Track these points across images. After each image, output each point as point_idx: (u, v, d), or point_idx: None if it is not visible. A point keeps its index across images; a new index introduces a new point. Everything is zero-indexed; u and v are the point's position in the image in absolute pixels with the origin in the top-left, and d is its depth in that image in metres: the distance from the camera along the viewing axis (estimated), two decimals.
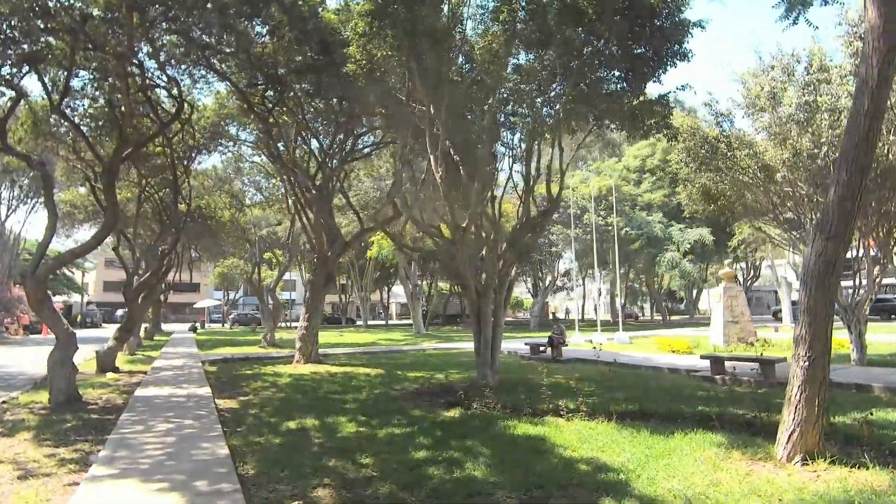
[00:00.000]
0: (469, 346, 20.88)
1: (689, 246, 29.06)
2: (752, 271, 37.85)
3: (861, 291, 12.48)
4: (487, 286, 9.60)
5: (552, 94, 10.14)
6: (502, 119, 10.35)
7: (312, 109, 13.72)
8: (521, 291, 61.37)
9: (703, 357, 11.19)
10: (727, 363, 11.00)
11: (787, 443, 5.24)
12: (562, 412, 7.52)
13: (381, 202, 26.28)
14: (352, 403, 8.79)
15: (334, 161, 14.54)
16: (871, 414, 6.47)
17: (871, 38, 4.93)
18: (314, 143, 15.16)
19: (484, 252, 9.90)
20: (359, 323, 44.53)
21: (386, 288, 51.23)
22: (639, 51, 10.10)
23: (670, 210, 32.12)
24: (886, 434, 5.99)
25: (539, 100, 10.11)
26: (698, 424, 6.73)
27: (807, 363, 5.22)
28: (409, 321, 54.12)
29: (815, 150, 11.64)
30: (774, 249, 27.93)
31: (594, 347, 15.32)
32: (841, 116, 11.22)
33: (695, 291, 40.52)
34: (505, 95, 10.00)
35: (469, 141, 9.43)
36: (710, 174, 13.50)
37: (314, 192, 13.53)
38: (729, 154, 12.94)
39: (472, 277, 9.37)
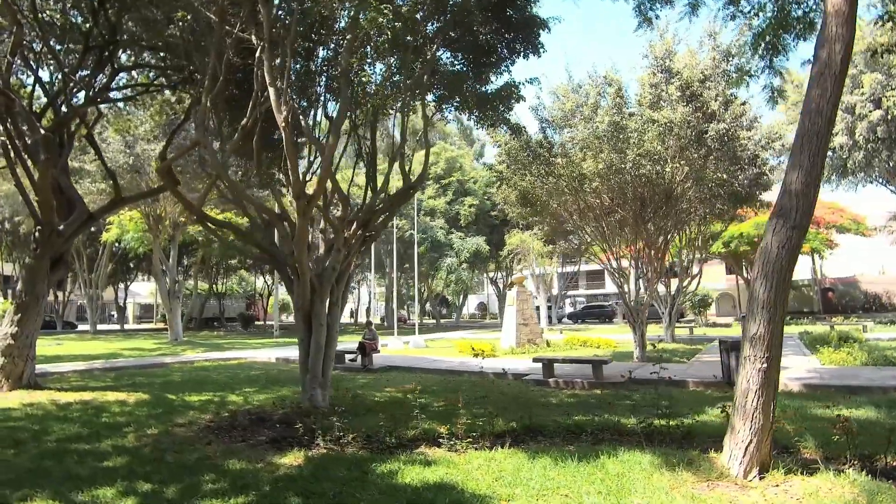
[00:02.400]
0: (249, 354, 17.63)
1: (468, 254, 30.50)
2: (510, 279, 42.22)
3: (644, 296, 13.94)
4: (325, 278, 7.37)
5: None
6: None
7: (49, 14, 9.25)
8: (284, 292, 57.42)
9: (535, 360, 10.91)
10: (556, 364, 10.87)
11: (743, 456, 4.64)
12: (440, 440, 5.92)
13: (135, 171, 20.65)
14: (116, 458, 5.58)
15: (77, 96, 10.13)
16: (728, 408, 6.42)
17: (835, 24, 4.69)
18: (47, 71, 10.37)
19: (321, 235, 7.65)
20: (82, 328, 35.02)
21: (122, 285, 41.72)
22: (486, 38, 9.35)
23: (450, 217, 33.38)
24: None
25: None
26: (603, 440, 5.94)
27: (765, 365, 4.71)
28: (150, 326, 45.24)
29: (623, 166, 12.53)
30: (537, 259, 31.28)
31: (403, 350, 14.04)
32: (642, 138, 12.29)
33: (461, 297, 43.26)
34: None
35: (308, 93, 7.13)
36: (530, 178, 13.59)
37: (41, 135, 9.06)
38: (550, 160, 13.19)
39: (309, 265, 7.03)
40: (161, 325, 42.39)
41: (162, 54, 10.56)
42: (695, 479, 4.59)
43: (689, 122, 12.05)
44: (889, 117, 21.15)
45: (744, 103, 12.64)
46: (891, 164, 24.13)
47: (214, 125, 7.80)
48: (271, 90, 5.90)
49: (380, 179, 7.77)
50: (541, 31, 9.46)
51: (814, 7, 8.16)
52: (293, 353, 17.75)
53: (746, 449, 4.65)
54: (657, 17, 9.26)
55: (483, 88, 9.64)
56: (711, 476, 4.65)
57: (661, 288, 15.30)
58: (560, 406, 8.17)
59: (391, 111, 8.84)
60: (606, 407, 7.80)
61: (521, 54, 9.63)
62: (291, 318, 59.55)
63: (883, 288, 38.84)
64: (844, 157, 23.25)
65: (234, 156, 13.91)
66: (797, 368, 10.88)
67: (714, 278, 40.61)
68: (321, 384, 7.66)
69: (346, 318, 56.14)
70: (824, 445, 5.38)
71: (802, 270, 39.06)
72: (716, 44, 12.28)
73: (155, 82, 11.72)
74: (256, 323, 42.22)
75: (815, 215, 31.15)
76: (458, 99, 9.67)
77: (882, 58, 8.83)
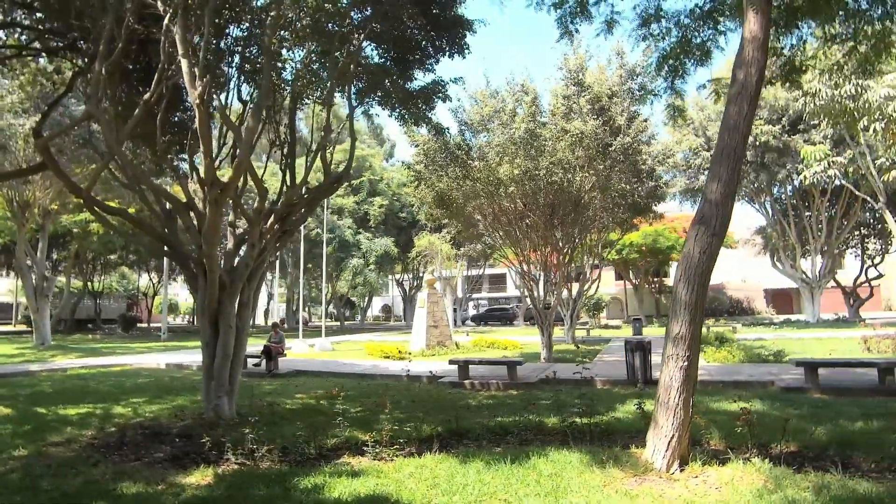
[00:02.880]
0: (134, 360, 15.85)
1: (377, 256, 30.01)
2: (416, 281, 42.19)
3: (551, 300, 14.46)
4: (236, 275, 6.75)
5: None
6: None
7: None
8: (174, 291, 52.88)
9: (451, 362, 10.85)
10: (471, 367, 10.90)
11: (666, 450, 4.87)
12: (365, 448, 5.63)
13: None
14: None
15: None
16: (644, 405, 6.73)
17: (752, 49, 5.07)
18: None
19: (229, 229, 7.00)
20: None
21: None
22: (412, 33, 9.24)
23: (358, 217, 32.67)
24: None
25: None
26: (529, 441, 5.99)
27: (686, 363, 4.97)
28: (8, 328, 39.33)
29: (537, 172, 12.92)
30: (444, 262, 31.54)
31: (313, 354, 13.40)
32: (556, 146, 12.79)
33: (366, 299, 42.51)
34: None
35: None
36: (447, 179, 13.59)
37: None
38: (467, 163, 13.28)
39: (218, 260, 6.39)
40: (23, 328, 37.18)
41: (39, 14, 9.15)
42: (623, 475, 4.73)
43: (597, 134, 12.71)
44: (758, 143, 23.98)
45: (645, 120, 13.56)
46: (755, 186, 27.34)
47: (107, 100, 6.84)
48: (184, 63, 5.24)
49: (299, 171, 7.27)
50: (466, 32, 9.47)
51: (711, 37, 8.87)
52: (186, 357, 16.34)
53: (669, 443, 4.88)
54: (577, 30, 9.62)
55: (408, 85, 9.48)
56: (638, 471, 4.82)
57: (563, 292, 15.97)
58: (480, 408, 8.15)
59: (308, 100, 8.36)
60: (527, 407, 7.90)
61: (447, 53, 9.57)
62: (180, 320, 55.19)
63: (744, 294, 43.98)
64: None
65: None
66: None
67: (605, 283, 43.60)
68: (227, 392, 6.99)
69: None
70: (728, 437, 5.83)
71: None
72: (622, 62, 13.09)
73: (29, 46, 10.12)
74: (140, 325, 38.42)
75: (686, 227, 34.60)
76: (380, 94, 9.44)
77: (769, 86, 9.88)
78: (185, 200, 6.42)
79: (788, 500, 4.10)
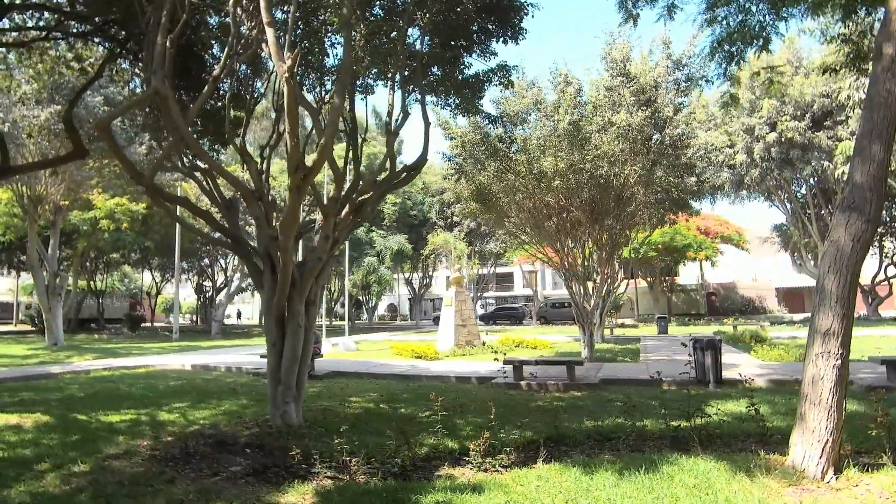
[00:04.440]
0: (155, 361, 15.21)
1: (392, 253, 29.45)
2: (427, 279, 41.70)
3: (593, 299, 13.95)
4: (307, 270, 6.21)
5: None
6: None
7: None
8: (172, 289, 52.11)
9: (506, 362, 10.29)
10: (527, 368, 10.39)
11: (820, 456, 4.42)
12: (464, 457, 5.12)
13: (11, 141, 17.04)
14: None
15: None
16: (756, 404, 6.26)
17: None
18: None
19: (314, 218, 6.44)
20: None
21: None
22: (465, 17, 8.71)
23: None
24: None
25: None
26: (638, 448, 5.47)
27: (839, 361, 4.50)
28: (9, 328, 38.44)
29: (582, 166, 12.43)
30: (458, 261, 30.97)
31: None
32: (602, 139, 12.30)
33: (376, 298, 41.93)
34: None
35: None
36: (486, 173, 13.08)
37: None
38: (509, 156, 12.77)
39: (293, 253, 5.85)
40: (24, 328, 36.38)
41: None
42: (778, 485, 4.25)
43: (643, 126, 12.24)
44: (782, 139, 23.60)
45: (692, 113, 13.08)
46: (779, 182, 26.97)
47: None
48: (269, 32, 4.70)
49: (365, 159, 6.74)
50: (523, 15, 8.96)
51: (771, 22, 8.37)
52: (208, 358, 15.76)
53: (824, 448, 4.42)
54: (638, 14, 9.12)
55: (462, 73, 8.97)
56: (791, 479, 4.34)
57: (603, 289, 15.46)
58: (555, 410, 7.66)
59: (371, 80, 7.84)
60: (604, 409, 7.44)
61: (501, 38, 9.05)
62: (182, 320, 54.36)
63: (755, 293, 43.70)
64: (742, 173, 25.62)
65: (142, 131, 11.89)
66: (747, 365, 11.37)
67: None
68: (295, 398, 6.45)
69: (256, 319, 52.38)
70: (857, 440, 5.35)
71: (691, 276, 42.85)
72: (669, 53, 12.61)
73: (56, 27, 9.49)
74: (144, 324, 37.69)
75: (707, 227, 34.14)
76: (433, 80, 8.92)
77: (833, 73, 9.35)
78: (254, 188, 5.87)
79: None
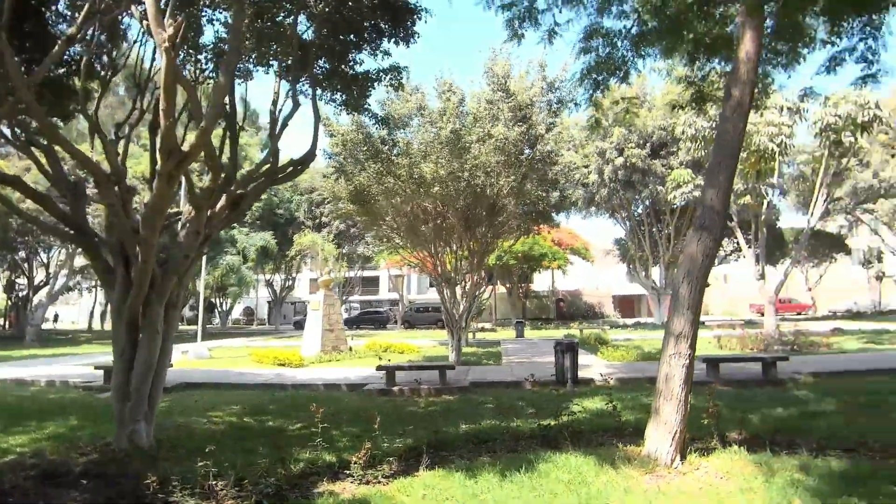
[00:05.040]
0: None
1: (255, 251, 27.52)
2: (290, 281, 39.66)
3: (462, 304, 14.40)
4: (171, 268, 5.53)
5: None
6: None
7: None
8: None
9: (379, 368, 10.14)
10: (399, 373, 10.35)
11: (670, 445, 5.02)
12: (344, 471, 4.91)
13: None
14: None
15: None
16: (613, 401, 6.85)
17: (746, 69, 5.41)
18: None
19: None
20: None
21: None
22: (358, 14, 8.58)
23: None
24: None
25: None
26: (512, 449, 5.70)
27: (688, 361, 5.13)
28: None
29: (461, 174, 12.81)
30: (324, 263, 30.03)
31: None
32: (481, 149, 12.82)
33: (232, 301, 38.87)
34: None
35: None
36: (367, 174, 12.88)
37: None
38: (391, 158, 12.72)
39: (156, 249, 5.16)
40: None
41: None
42: (638, 474, 4.72)
43: (519, 141, 12.99)
44: (627, 164, 26.72)
45: (561, 132, 14.17)
46: (622, 201, 30.44)
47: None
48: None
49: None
50: (416, 19, 8.99)
51: (632, 59, 9.37)
52: (21, 371, 13.26)
53: (673, 438, 5.00)
54: (524, 35, 9.65)
55: (353, 69, 8.74)
56: (647, 468, 4.84)
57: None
58: (431, 416, 7.72)
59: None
60: (477, 412, 7.68)
61: (393, 39, 8.98)
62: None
63: (597, 300, 48.72)
64: (594, 191, 28.51)
65: None
66: (596, 365, 12.54)
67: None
68: (147, 415, 5.68)
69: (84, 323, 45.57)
70: (693, 429, 6.15)
71: (543, 283, 46.44)
72: (544, 75, 13.55)
73: None
74: None
75: (560, 239, 37.21)
76: (321, 74, 8.56)
77: (681, 110, 10.66)
78: (109, 171, 5.04)
79: (792, 480, 4.36)
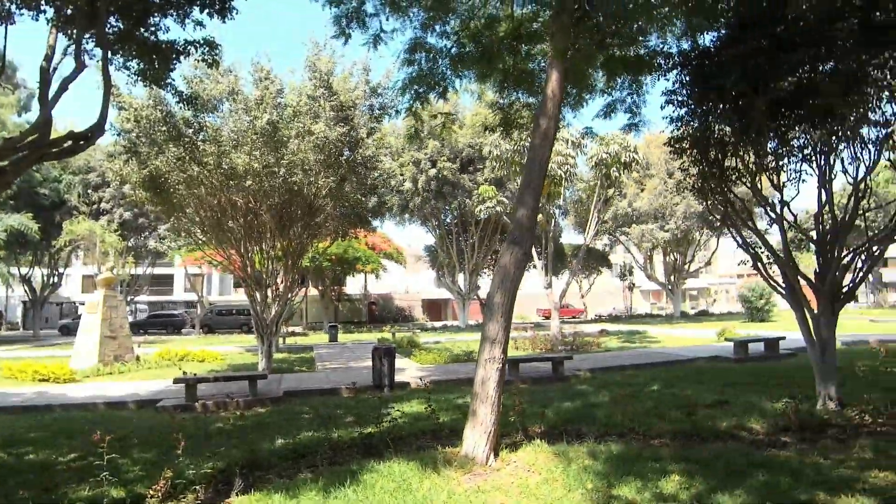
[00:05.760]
0: None
1: (6, 234, 21.90)
2: (55, 278, 32.51)
3: (274, 308, 13.54)
4: None
5: None
6: None
7: None
8: None
9: (177, 381, 8.90)
10: (201, 386, 9.26)
11: (486, 445, 5.35)
12: None
13: None
14: None
15: None
16: (431, 404, 7.07)
17: (552, 105, 6.09)
18: None
19: None
20: None
21: None
22: None
23: None
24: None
25: None
26: (335, 461, 5.52)
27: (501, 365, 5.52)
28: None
29: (277, 169, 12.09)
30: (103, 256, 25.50)
31: None
32: (300, 146, 12.27)
33: None
34: None
35: None
36: (165, 159, 11.31)
37: None
38: (197, 144, 11.39)
39: None
40: None
41: None
42: (458, 475, 4.93)
43: (340, 141, 12.75)
44: (440, 175, 28.23)
45: (382, 136, 14.29)
46: (434, 210, 32.00)
47: None
48: None
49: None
50: None
51: (451, 78, 9.97)
52: None
53: (489, 437, 5.36)
54: (350, 35, 9.54)
55: (155, 35, 7.61)
56: (466, 468, 5.09)
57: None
58: (242, 431, 7.04)
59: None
60: (293, 423, 7.25)
61: (206, 9, 8.08)
62: None
63: (407, 303, 50.38)
64: (408, 199, 29.46)
65: None
66: (411, 368, 12.89)
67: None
68: None
69: None
70: (501, 426, 6.67)
71: (356, 286, 46.42)
72: (367, 79, 13.53)
73: None
74: None
75: (374, 243, 37.66)
76: (113, 34, 7.27)
77: (490, 132, 11.58)
78: None
79: (584, 467, 5.00)
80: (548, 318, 32.62)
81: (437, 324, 41.91)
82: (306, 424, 7.15)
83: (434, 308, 52.22)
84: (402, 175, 29.02)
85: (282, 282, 13.91)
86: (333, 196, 13.68)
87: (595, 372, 11.40)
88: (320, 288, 38.47)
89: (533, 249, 23.57)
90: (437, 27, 8.81)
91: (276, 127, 11.94)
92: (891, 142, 7.03)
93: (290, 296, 14.41)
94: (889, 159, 7.25)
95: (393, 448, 5.65)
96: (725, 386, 8.79)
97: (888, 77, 6.75)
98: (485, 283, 40.04)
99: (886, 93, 6.99)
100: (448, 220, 35.13)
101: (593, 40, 7.50)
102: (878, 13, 6.17)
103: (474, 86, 13.39)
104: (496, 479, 4.86)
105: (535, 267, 22.86)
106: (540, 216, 21.38)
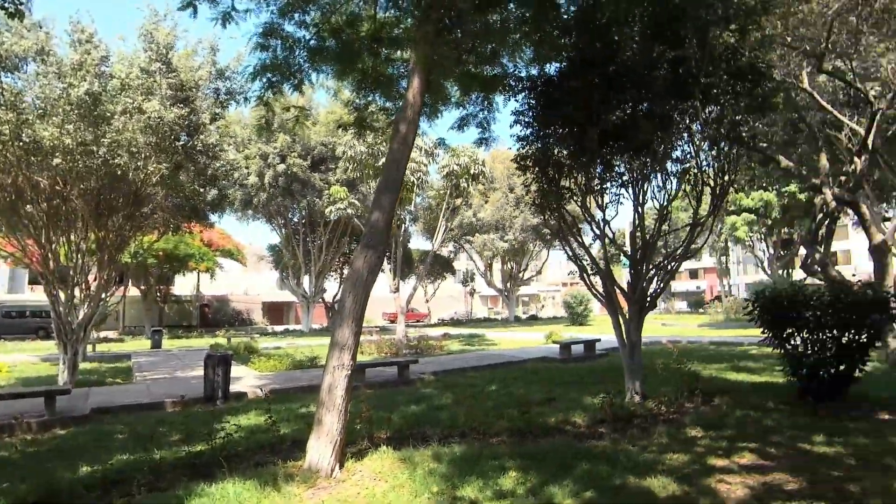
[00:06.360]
0: None
1: None
2: None
3: (83, 310, 11.65)
4: None
5: None
6: None
7: None
8: None
9: None
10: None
11: (331, 455, 5.17)
12: None
13: None
14: None
15: None
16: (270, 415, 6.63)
17: (412, 111, 6.16)
18: None
19: None
20: None
21: None
22: None
23: None
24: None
25: None
26: (157, 487, 4.88)
27: (349, 371, 5.39)
28: None
29: (95, 149, 10.48)
30: None
31: None
32: (126, 125, 10.81)
33: None
34: None
35: None
36: None
37: None
38: None
39: None
40: None
41: None
42: (299, 489, 4.68)
43: (177, 124, 11.48)
44: (289, 172, 26.87)
45: (227, 124, 13.17)
46: (280, 208, 30.31)
47: None
48: None
49: None
50: None
51: (307, 71, 9.64)
52: None
53: (334, 447, 5.19)
54: (197, 6, 8.70)
55: None
56: (309, 482, 4.85)
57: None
58: (39, 459, 5.89)
59: None
60: (103, 447, 6.26)
61: None
62: None
63: (245, 306, 47.02)
64: (252, 194, 27.51)
65: None
66: (248, 377, 11.99)
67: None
68: None
69: None
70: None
71: (186, 287, 42.07)
72: (214, 59, 12.37)
73: None
74: None
75: (211, 239, 34.63)
76: None
77: (344, 130, 11.35)
78: None
79: (429, 470, 5.09)
80: (394, 321, 32.97)
81: (279, 328, 39.83)
82: (121, 446, 6.21)
83: (276, 311, 49.56)
84: (247, 168, 27.08)
85: (94, 279, 12.00)
86: (166, 184, 12.23)
87: (439, 374, 11.75)
88: (143, 287, 34.13)
89: None
90: (296, 15, 8.37)
91: (98, 99, 10.30)
92: (687, 176, 8.42)
93: (104, 296, 12.45)
94: (685, 190, 8.65)
95: (227, 467, 5.16)
96: (554, 384, 9.67)
97: (688, 122, 8.10)
98: (331, 286, 39.16)
99: (686, 135, 8.38)
100: (296, 220, 33.65)
101: (452, 54, 7.77)
102: (680, 70, 7.37)
103: (332, 82, 13.04)
104: (342, 491, 4.71)
105: (382, 271, 22.95)
106: None
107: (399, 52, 8.72)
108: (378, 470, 5.20)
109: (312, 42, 8.56)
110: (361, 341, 18.97)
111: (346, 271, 39.13)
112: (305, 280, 34.96)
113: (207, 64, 12.24)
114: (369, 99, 9.73)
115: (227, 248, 37.55)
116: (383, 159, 16.30)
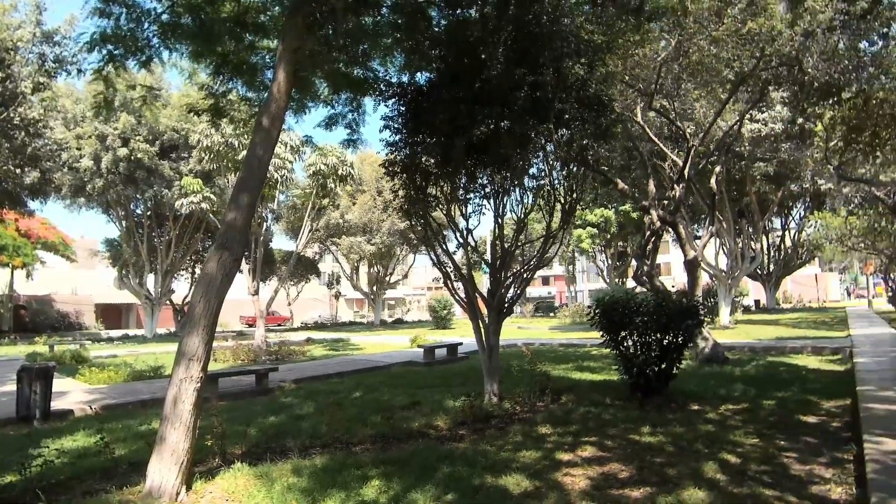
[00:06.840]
0: None
1: None
2: None
3: None
4: None
5: None
6: None
7: None
8: None
9: None
10: None
11: (176, 477, 4.73)
12: None
13: None
14: None
15: None
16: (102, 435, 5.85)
17: (276, 107, 5.87)
18: None
19: None
20: None
21: None
22: None
23: None
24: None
25: None
26: None
27: (199, 384, 4.98)
28: None
29: None
30: None
31: None
32: None
33: None
34: None
35: None
36: None
37: None
38: None
39: None
40: None
41: None
42: None
43: None
44: (133, 157, 23.85)
45: (55, 97, 11.38)
46: (121, 197, 26.85)
47: None
48: None
49: None
50: None
51: (157, 49, 8.77)
52: None
53: (180, 468, 4.76)
54: None
55: None
56: None
57: None
58: None
59: None
60: None
61: None
62: None
63: (73, 307, 40.90)
64: (86, 179, 23.88)
65: None
66: (76, 391, 10.46)
67: None
68: None
69: None
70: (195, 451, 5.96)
71: None
72: (39, 19, 10.60)
73: None
74: None
75: (30, 229, 29.69)
76: None
77: (198, 116, 10.45)
78: None
79: (289, 485, 4.87)
80: (252, 325, 30.93)
81: (116, 333, 35.29)
82: None
83: (113, 314, 43.88)
84: (79, 150, 23.53)
85: None
86: None
87: (301, 382, 11.30)
88: None
89: None
90: None
91: None
92: (541, 192, 9.13)
93: None
94: (539, 204, 9.36)
95: (45, 500, 4.44)
96: (418, 388, 9.84)
97: (543, 142, 8.79)
98: (182, 286, 35.65)
99: (541, 154, 9.09)
100: (139, 211, 30.09)
101: (322, 50, 7.55)
102: (538, 93, 7.97)
103: (186, 63, 11.88)
104: None
105: (241, 272, 21.49)
106: None
107: (266, 41, 8.25)
108: (231, 490, 4.85)
109: (165, 16, 7.73)
110: (216, 347, 17.77)
111: (198, 271, 35.89)
112: (150, 279, 31.43)
113: (30, 23, 10.48)
114: (229, 86, 9.05)
115: (51, 240, 32.45)
116: (244, 152, 15.28)
